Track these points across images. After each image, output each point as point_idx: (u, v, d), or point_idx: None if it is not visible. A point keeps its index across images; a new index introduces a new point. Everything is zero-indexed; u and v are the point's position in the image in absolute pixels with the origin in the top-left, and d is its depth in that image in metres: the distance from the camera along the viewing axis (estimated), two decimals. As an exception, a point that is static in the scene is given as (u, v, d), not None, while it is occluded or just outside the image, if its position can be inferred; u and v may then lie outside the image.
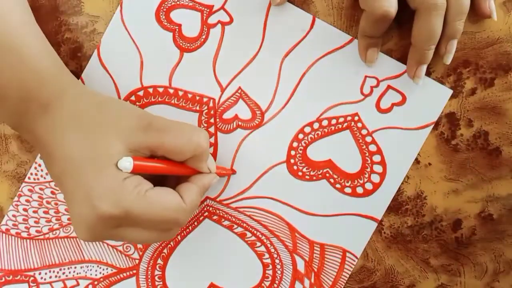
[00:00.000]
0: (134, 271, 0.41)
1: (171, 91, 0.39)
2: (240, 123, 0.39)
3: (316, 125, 0.39)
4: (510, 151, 0.38)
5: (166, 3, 0.38)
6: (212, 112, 0.39)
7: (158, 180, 0.34)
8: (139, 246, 0.40)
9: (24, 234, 0.41)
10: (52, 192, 0.40)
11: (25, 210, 0.41)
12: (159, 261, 0.40)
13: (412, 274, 0.40)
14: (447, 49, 0.36)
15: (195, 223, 0.40)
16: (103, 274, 0.41)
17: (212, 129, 0.39)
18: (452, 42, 0.36)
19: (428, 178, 0.39)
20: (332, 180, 0.39)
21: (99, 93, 0.33)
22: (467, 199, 0.39)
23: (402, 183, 0.39)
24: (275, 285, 0.40)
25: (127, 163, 0.29)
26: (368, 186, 0.39)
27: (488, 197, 0.39)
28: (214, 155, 0.39)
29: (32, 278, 0.41)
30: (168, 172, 0.33)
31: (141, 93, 0.39)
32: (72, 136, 0.29)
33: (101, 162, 0.29)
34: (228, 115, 0.39)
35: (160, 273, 0.41)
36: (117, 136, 0.29)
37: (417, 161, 0.39)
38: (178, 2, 0.38)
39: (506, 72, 0.38)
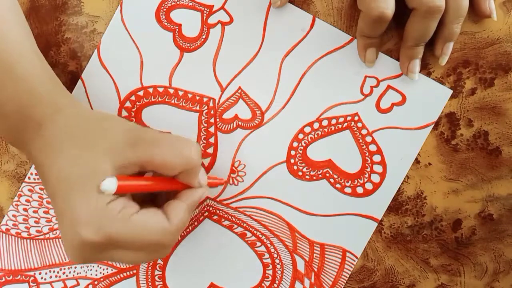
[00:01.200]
0: (134, 271, 0.41)
1: (171, 91, 0.39)
2: (240, 123, 0.39)
3: (316, 125, 0.39)
4: (510, 151, 0.38)
5: (166, 3, 0.38)
6: (212, 112, 0.39)
7: (147, 194, 0.34)
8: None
9: (24, 234, 0.41)
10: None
11: (25, 210, 0.41)
12: (159, 260, 0.40)
13: (412, 274, 0.40)
14: (443, 51, 0.36)
15: (195, 223, 0.40)
16: (103, 274, 0.41)
17: (212, 129, 0.39)
18: (449, 44, 0.36)
19: (428, 178, 0.39)
20: (332, 180, 0.39)
21: (93, 111, 0.33)
22: (467, 199, 0.39)
23: (402, 183, 0.39)
24: (275, 285, 0.40)
25: (111, 184, 0.28)
26: (368, 186, 0.39)
27: (488, 197, 0.39)
28: (214, 155, 0.39)
29: (32, 278, 0.41)
30: (156, 189, 0.32)
31: (141, 93, 0.39)
32: (63, 156, 0.29)
33: (87, 184, 0.28)
34: (228, 115, 0.39)
35: (160, 272, 0.41)
36: (105, 154, 0.29)
37: (417, 161, 0.39)
38: (178, 2, 0.38)
39: (506, 72, 0.38)
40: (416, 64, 0.36)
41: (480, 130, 0.38)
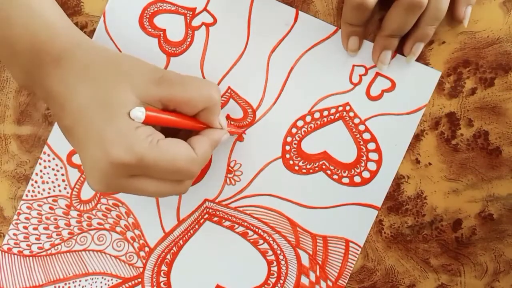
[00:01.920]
0: (139, 280, 0.40)
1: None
2: (232, 122, 0.39)
3: (308, 118, 0.39)
4: (510, 151, 0.38)
5: (148, 9, 0.38)
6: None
7: (168, 134, 0.34)
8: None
9: (27, 252, 0.41)
10: (51, 208, 0.40)
11: (25, 227, 0.40)
12: (163, 267, 0.40)
13: (412, 274, 0.40)
14: (412, 50, 0.36)
15: (196, 226, 0.40)
16: (109, 285, 0.41)
17: (205, 131, 0.39)
18: (419, 44, 0.36)
19: (428, 178, 0.39)
20: (329, 172, 0.39)
21: (110, 49, 0.33)
22: (467, 199, 0.39)
23: (402, 183, 0.39)
24: (281, 281, 0.40)
25: (139, 112, 0.29)
26: (365, 174, 0.39)
27: (488, 197, 0.39)
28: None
29: (38, 295, 0.41)
30: (179, 125, 0.32)
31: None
32: (84, 86, 0.29)
33: (113, 110, 0.28)
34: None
35: (165, 279, 0.40)
36: (130, 87, 0.29)
37: (417, 161, 0.39)
38: (160, 8, 0.38)
39: (506, 72, 0.38)
40: (388, 55, 0.37)
41: (480, 130, 0.38)
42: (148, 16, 0.38)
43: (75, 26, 0.34)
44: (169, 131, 0.33)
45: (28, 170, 0.40)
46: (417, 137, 0.39)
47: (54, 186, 0.40)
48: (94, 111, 0.29)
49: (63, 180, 0.40)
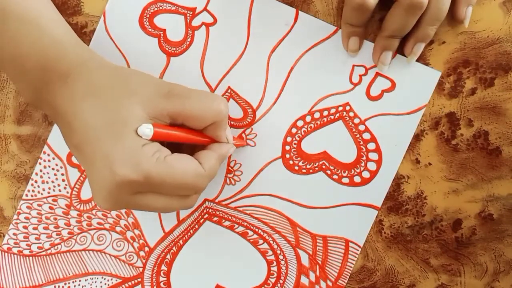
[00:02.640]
0: (139, 279, 0.40)
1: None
2: (232, 122, 0.39)
3: (308, 118, 0.39)
4: (510, 151, 0.38)
5: (149, 9, 0.38)
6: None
7: (174, 150, 0.34)
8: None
9: (26, 252, 0.41)
10: (51, 207, 0.40)
11: (25, 227, 0.40)
12: (163, 267, 0.40)
13: (412, 274, 0.40)
14: (413, 51, 0.36)
15: (196, 226, 0.40)
16: (108, 284, 0.41)
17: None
18: (420, 45, 0.36)
19: (428, 178, 0.39)
20: (329, 172, 0.39)
21: (118, 65, 0.33)
22: (467, 199, 0.39)
23: (402, 183, 0.39)
24: (281, 281, 0.40)
25: (147, 129, 0.29)
26: (365, 174, 0.39)
27: (488, 197, 0.39)
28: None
29: (37, 295, 0.41)
30: (187, 140, 0.32)
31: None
32: (91, 105, 0.29)
33: (120, 129, 0.28)
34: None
35: (165, 279, 0.40)
36: (137, 103, 0.29)
37: (417, 161, 0.39)
38: (160, 7, 0.38)
39: (506, 72, 0.38)
40: (388, 56, 0.37)
41: (480, 130, 0.38)
42: (148, 16, 0.38)
43: (83, 42, 0.34)
44: (172, 145, 0.33)
45: (28, 170, 0.40)
46: (417, 137, 0.39)
47: (54, 186, 0.40)
48: (101, 130, 0.29)
49: (63, 180, 0.40)
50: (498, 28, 0.37)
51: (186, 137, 0.32)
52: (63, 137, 0.32)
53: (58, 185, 0.40)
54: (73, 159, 0.40)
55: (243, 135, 0.39)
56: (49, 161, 0.40)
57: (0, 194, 0.41)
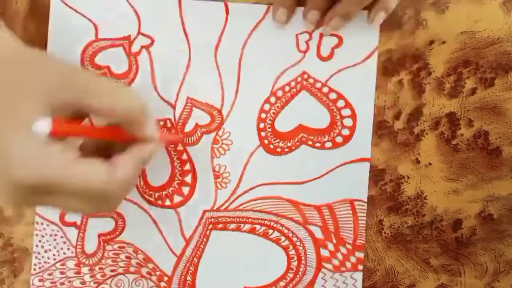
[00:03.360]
0: (170, 310, 0.40)
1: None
2: (203, 129, 0.39)
3: (273, 99, 0.39)
4: (510, 151, 0.38)
5: (86, 52, 0.38)
6: (173, 131, 0.39)
7: (101, 148, 0.31)
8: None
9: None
10: (61, 272, 0.40)
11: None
12: (188, 277, 0.40)
13: (412, 274, 0.40)
14: (330, 24, 0.37)
15: (205, 240, 0.40)
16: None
17: (180, 147, 0.39)
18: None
19: (428, 178, 0.39)
20: (310, 143, 0.39)
21: (24, 48, 0.29)
22: (467, 199, 0.39)
23: (402, 183, 0.39)
24: (303, 261, 0.40)
25: (44, 124, 0.25)
26: (345, 132, 0.39)
27: (488, 197, 0.39)
28: (193, 169, 0.39)
29: None
30: (97, 136, 0.29)
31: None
32: None
33: (17, 124, 0.25)
34: (188, 127, 0.39)
35: (194, 300, 0.40)
36: (38, 94, 0.26)
37: (417, 161, 0.39)
38: (97, 47, 0.38)
39: (506, 72, 0.38)
40: (315, 14, 0.37)
41: (480, 130, 0.38)
42: (88, 58, 0.38)
43: None
44: (103, 143, 0.31)
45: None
46: (417, 137, 0.39)
47: (58, 251, 0.40)
48: (1, 126, 0.26)
49: (64, 242, 0.40)
50: (498, 28, 0.38)
51: (93, 133, 0.29)
52: None
53: (61, 249, 0.40)
54: (66, 218, 0.40)
55: (217, 137, 0.39)
56: (44, 229, 0.40)
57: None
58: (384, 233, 0.39)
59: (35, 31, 0.39)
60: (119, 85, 0.29)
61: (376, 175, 0.39)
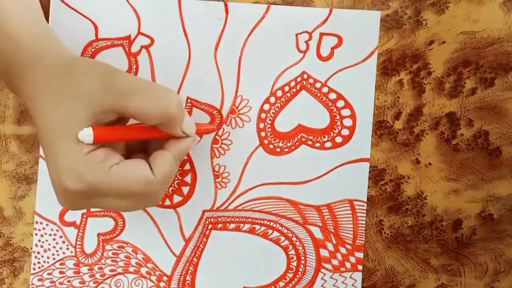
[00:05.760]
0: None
1: (127, 129, 0.39)
2: (203, 128, 0.39)
3: (272, 99, 0.39)
4: (510, 151, 0.38)
5: (86, 52, 0.39)
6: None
7: (138, 144, 0.33)
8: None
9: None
10: (61, 272, 0.40)
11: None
12: (188, 277, 0.40)
13: (412, 274, 0.40)
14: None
15: (204, 239, 0.40)
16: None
17: (180, 146, 0.39)
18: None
19: (428, 178, 0.39)
20: (310, 142, 0.39)
21: (71, 56, 0.31)
22: (467, 199, 0.39)
23: (402, 183, 0.39)
24: (302, 261, 0.40)
25: (87, 135, 0.27)
26: (345, 132, 0.39)
27: (489, 197, 0.39)
28: (193, 169, 0.39)
29: None
30: (137, 138, 0.31)
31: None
32: (42, 106, 0.28)
33: (66, 134, 0.28)
34: (188, 127, 0.39)
35: (193, 300, 0.40)
36: (81, 102, 0.28)
37: (417, 161, 0.39)
38: (97, 46, 0.38)
39: (506, 72, 0.38)
40: None
41: (480, 130, 0.38)
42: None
43: (50, 33, 0.33)
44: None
45: (28, 170, 0.40)
46: (417, 137, 0.39)
47: (57, 250, 0.40)
48: (50, 135, 0.28)
49: (63, 242, 0.40)
50: (498, 28, 0.38)
51: (133, 135, 0.30)
52: None
53: (61, 248, 0.40)
54: (66, 218, 0.40)
55: (217, 137, 0.39)
56: (43, 228, 0.40)
57: (0, 194, 0.40)
58: (384, 233, 0.39)
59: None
60: (159, 87, 0.30)
61: (376, 175, 0.39)
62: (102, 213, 0.40)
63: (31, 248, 0.40)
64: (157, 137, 0.32)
